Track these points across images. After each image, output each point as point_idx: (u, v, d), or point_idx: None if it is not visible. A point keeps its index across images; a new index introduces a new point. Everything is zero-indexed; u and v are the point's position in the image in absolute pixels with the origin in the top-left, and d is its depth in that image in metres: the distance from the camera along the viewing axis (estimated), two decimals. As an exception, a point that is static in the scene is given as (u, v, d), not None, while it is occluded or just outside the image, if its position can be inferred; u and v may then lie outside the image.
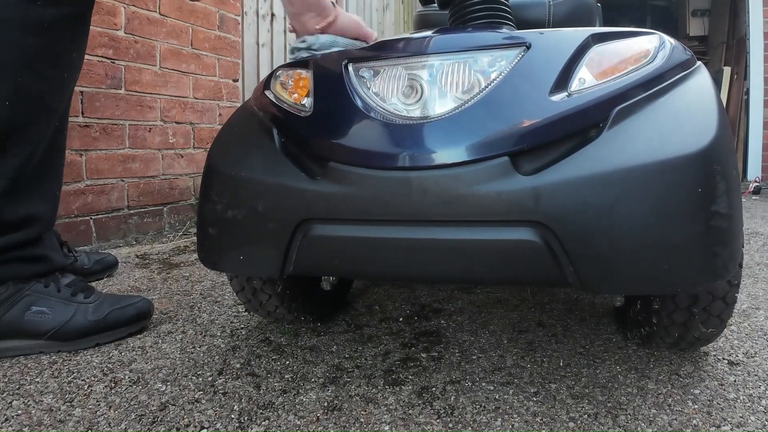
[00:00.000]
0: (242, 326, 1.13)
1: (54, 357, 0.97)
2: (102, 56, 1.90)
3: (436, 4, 1.08)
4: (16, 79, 0.92)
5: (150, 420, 0.77)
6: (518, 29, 0.89)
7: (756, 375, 0.88)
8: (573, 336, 1.05)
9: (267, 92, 0.87)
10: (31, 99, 0.96)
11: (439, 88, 0.73)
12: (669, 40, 0.79)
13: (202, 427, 0.75)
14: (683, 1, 5.34)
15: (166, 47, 2.19)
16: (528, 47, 0.74)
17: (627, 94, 0.70)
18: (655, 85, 0.72)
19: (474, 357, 0.96)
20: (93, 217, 1.91)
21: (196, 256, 1.80)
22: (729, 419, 0.75)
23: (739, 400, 0.80)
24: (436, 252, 0.71)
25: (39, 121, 0.98)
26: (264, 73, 2.88)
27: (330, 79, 0.80)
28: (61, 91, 1.01)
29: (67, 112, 1.08)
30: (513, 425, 0.75)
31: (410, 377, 0.89)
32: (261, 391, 0.85)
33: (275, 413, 0.78)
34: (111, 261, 1.54)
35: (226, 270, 0.88)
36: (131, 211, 2.08)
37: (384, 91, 0.75)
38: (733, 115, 4.31)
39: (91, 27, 1.09)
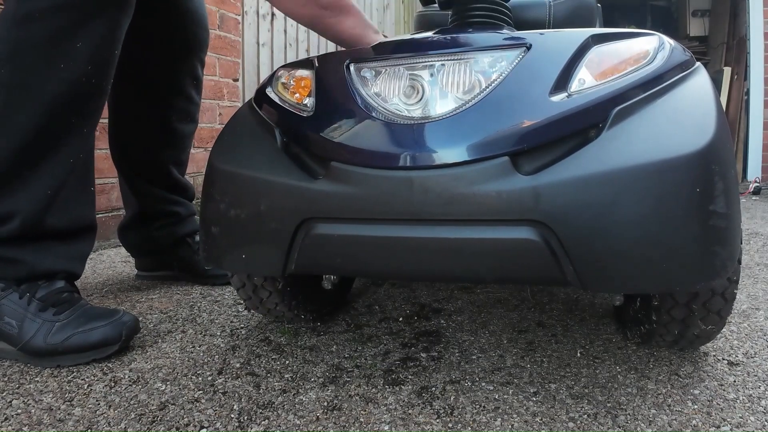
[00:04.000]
0: (242, 326, 1.13)
1: (54, 356, 0.97)
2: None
3: (436, 5, 1.08)
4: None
5: (150, 419, 0.77)
6: (519, 30, 0.89)
7: (756, 375, 0.88)
8: (573, 336, 1.05)
9: (269, 92, 0.88)
10: (13, 88, 0.93)
11: (440, 88, 0.73)
12: (668, 41, 0.80)
13: (202, 427, 0.75)
14: (683, 2, 5.34)
15: (167, 47, 2.19)
16: (528, 48, 0.74)
17: (626, 94, 0.70)
18: (654, 85, 0.72)
19: (474, 357, 0.96)
20: (93, 216, 1.91)
21: (196, 255, 1.79)
22: (729, 419, 0.75)
23: (738, 401, 0.80)
24: (437, 251, 0.71)
25: (20, 110, 0.94)
26: (264, 73, 2.89)
27: (332, 79, 0.81)
28: (55, 80, 0.95)
29: (73, 104, 0.99)
30: (513, 425, 0.75)
31: (410, 377, 0.89)
32: (261, 391, 0.85)
33: (275, 413, 0.79)
34: None
35: (229, 268, 0.88)
36: (131, 211, 2.07)
37: (385, 91, 0.76)
38: (733, 116, 4.30)
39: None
